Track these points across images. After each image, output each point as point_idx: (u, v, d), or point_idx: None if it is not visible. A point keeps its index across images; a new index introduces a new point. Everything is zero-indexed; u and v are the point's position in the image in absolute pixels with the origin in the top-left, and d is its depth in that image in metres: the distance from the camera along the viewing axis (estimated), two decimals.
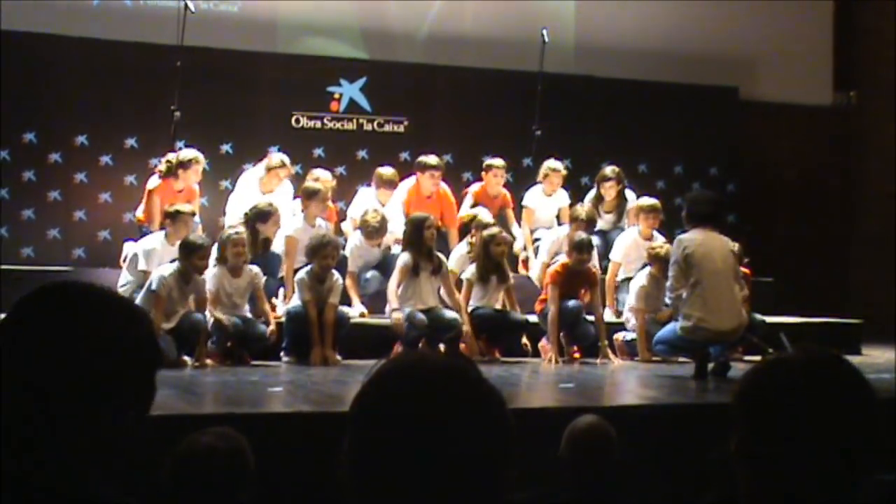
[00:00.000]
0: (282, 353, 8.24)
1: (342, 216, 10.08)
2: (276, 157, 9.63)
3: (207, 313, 8.01)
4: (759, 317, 8.94)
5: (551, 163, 10.43)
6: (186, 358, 7.87)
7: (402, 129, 11.15)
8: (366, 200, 9.77)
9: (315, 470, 5.03)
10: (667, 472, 5.28)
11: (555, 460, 4.01)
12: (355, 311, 9.05)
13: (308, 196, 9.17)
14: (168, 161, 9.32)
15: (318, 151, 10.79)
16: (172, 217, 8.60)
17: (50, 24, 10.08)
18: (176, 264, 7.93)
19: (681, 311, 7.84)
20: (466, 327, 8.59)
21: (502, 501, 1.48)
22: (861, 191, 12.95)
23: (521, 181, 10.82)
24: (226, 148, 10.40)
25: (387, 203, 9.75)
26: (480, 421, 1.47)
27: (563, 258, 9.08)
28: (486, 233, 8.89)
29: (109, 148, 10.33)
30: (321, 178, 9.64)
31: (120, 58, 10.28)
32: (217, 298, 8.08)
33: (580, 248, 8.86)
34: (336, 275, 8.48)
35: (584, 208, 9.69)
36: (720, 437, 3.04)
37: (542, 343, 8.89)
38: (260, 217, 8.68)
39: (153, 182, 9.36)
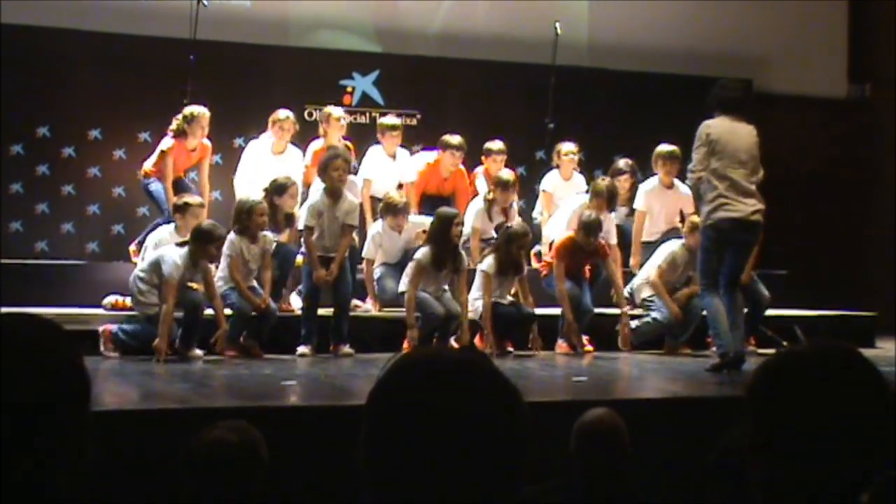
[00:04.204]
0: (299, 347, 8.26)
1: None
2: (280, 111, 9.61)
3: (225, 285, 8.11)
4: (765, 292, 8.93)
5: (564, 146, 10.31)
6: (199, 351, 7.91)
7: (414, 122, 11.14)
8: (374, 157, 9.75)
9: (328, 463, 5.05)
10: (680, 465, 5.27)
11: (567, 453, 4.01)
12: (369, 304, 9.12)
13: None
14: (178, 120, 9.35)
15: None
16: (182, 209, 8.61)
17: (64, 19, 10.10)
18: (186, 250, 7.91)
19: (703, 200, 7.66)
20: (488, 326, 8.59)
21: (517, 495, 1.48)
22: (876, 183, 12.90)
23: (534, 174, 10.81)
24: (239, 142, 10.40)
25: (394, 152, 9.76)
26: (496, 414, 1.47)
27: (570, 231, 9.02)
28: (512, 231, 8.83)
29: (123, 142, 10.36)
30: (332, 118, 9.66)
31: (133, 52, 10.30)
32: (236, 266, 8.10)
33: (588, 230, 8.81)
34: (351, 196, 8.57)
35: (604, 182, 9.42)
36: (726, 433, 3.04)
37: (560, 342, 8.90)
38: (277, 190, 8.69)
39: (166, 143, 9.36)
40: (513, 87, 11.34)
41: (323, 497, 5.07)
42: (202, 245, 7.88)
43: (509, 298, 8.91)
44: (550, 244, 9.29)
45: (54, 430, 1.58)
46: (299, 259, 8.94)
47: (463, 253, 8.79)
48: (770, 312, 9.27)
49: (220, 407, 5.75)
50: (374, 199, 9.66)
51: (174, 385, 6.71)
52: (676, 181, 9.76)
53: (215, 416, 3.71)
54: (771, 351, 2.05)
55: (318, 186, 8.88)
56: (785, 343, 8.27)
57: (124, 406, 5.98)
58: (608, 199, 9.29)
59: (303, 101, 10.76)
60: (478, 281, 8.78)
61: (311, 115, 10.49)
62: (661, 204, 9.74)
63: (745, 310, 8.03)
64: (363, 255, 9.11)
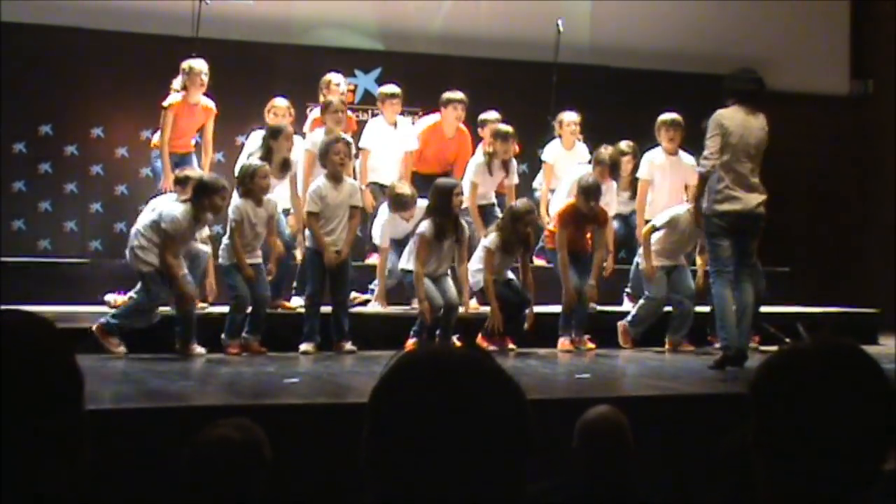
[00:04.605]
0: (301, 344, 8.26)
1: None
2: (274, 99, 9.60)
3: (227, 261, 8.13)
4: (762, 281, 8.92)
5: (566, 115, 10.22)
6: (200, 349, 7.89)
7: (416, 119, 11.14)
8: (375, 127, 9.74)
9: (331, 461, 5.05)
10: (682, 462, 5.27)
11: (570, 451, 4.01)
12: (368, 296, 9.11)
13: (323, 111, 9.25)
14: (177, 78, 9.32)
15: None
16: (183, 182, 8.52)
17: (66, 18, 10.11)
18: (188, 206, 7.84)
19: (710, 192, 7.67)
20: (493, 303, 8.59)
21: (521, 492, 1.48)
22: (878, 180, 12.89)
23: (536, 171, 10.81)
24: (241, 139, 10.39)
25: (394, 120, 9.73)
26: (499, 412, 1.47)
27: (571, 199, 8.98)
28: (515, 209, 8.79)
29: (125, 140, 10.37)
30: (332, 84, 9.69)
31: (136, 50, 10.32)
32: (241, 230, 8.09)
33: (587, 194, 8.77)
34: (352, 181, 8.59)
35: (607, 151, 9.32)
36: (729, 430, 3.03)
37: (562, 340, 8.89)
38: (273, 134, 8.65)
39: (170, 99, 9.31)
40: (515, 85, 11.33)
41: (325, 495, 5.07)
42: (206, 197, 7.77)
43: (509, 275, 8.89)
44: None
45: (49, 429, 1.58)
46: (298, 255, 8.95)
47: (464, 223, 8.77)
48: (772, 310, 9.26)
49: (223, 405, 5.76)
50: (376, 185, 9.62)
51: (176, 383, 6.70)
52: (681, 151, 9.59)
53: (217, 415, 3.71)
54: (774, 348, 2.05)
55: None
56: (787, 340, 8.26)
57: (125, 404, 5.98)
58: (611, 168, 9.26)
59: (304, 98, 10.75)
60: (479, 254, 8.78)
61: (312, 112, 10.49)
62: (664, 174, 9.54)
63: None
64: (377, 243, 9.11)
